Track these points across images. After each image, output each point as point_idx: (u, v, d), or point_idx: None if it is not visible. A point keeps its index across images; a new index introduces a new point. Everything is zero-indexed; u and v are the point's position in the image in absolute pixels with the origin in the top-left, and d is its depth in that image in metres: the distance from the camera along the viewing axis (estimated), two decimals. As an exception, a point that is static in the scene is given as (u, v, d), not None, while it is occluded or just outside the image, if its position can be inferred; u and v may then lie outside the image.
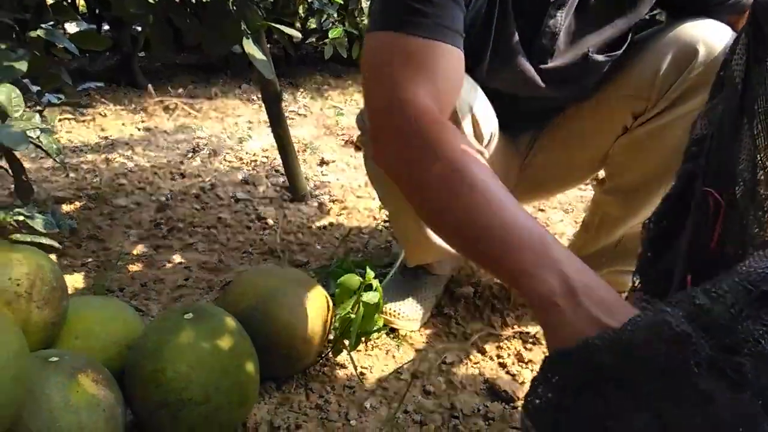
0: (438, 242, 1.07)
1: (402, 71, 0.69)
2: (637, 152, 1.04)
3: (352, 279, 0.98)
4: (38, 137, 1.02)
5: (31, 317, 0.76)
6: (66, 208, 1.62)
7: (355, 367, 1.04)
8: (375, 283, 0.97)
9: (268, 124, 2.59)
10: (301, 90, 3.18)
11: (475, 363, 1.09)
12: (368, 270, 0.98)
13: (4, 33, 1.27)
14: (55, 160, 1.08)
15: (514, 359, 1.10)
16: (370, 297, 1.00)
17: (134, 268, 1.35)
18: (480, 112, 0.92)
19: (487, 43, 0.93)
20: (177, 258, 1.41)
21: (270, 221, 1.64)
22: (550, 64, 0.97)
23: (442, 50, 0.71)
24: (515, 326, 1.20)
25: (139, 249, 1.44)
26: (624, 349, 0.42)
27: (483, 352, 1.12)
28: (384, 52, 0.72)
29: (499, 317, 1.23)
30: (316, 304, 0.97)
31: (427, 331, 1.18)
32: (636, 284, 0.76)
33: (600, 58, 0.97)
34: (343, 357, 1.07)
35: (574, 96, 1.06)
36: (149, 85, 2.75)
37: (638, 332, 0.41)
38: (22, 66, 1.13)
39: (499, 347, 1.13)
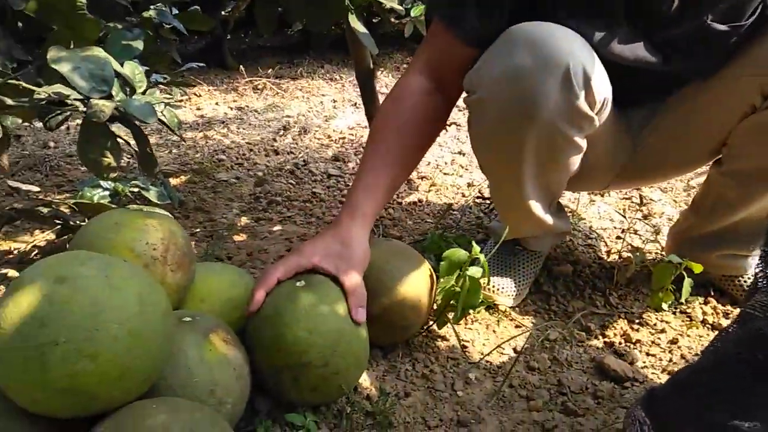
0: (539, 213, 1.06)
1: None
2: (763, 135, 0.96)
3: (459, 252, 0.98)
4: (162, 111, 1.08)
5: (166, 280, 0.81)
6: (173, 181, 1.72)
7: (459, 340, 1.05)
8: (481, 257, 0.97)
9: (352, 103, 2.63)
10: (381, 69, 3.18)
11: (580, 341, 1.07)
12: (474, 244, 0.97)
13: (119, 14, 1.35)
14: (175, 133, 1.14)
15: (621, 339, 1.07)
16: (475, 271, 1.00)
17: (239, 238, 1.42)
18: (594, 75, 0.88)
19: (599, 10, 0.89)
20: (277, 230, 1.47)
21: (362, 197, 1.67)
22: (664, 34, 0.91)
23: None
24: (619, 306, 1.16)
25: (242, 221, 1.50)
26: None
27: (587, 330, 1.09)
28: None
29: (601, 296, 1.20)
30: (423, 276, 0.98)
31: (527, 308, 1.17)
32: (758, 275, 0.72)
33: (721, 28, 0.90)
34: (444, 330, 1.08)
35: (693, 71, 0.99)
36: (241, 66, 2.84)
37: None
38: (139, 45, 1.20)
39: (603, 326, 1.10)
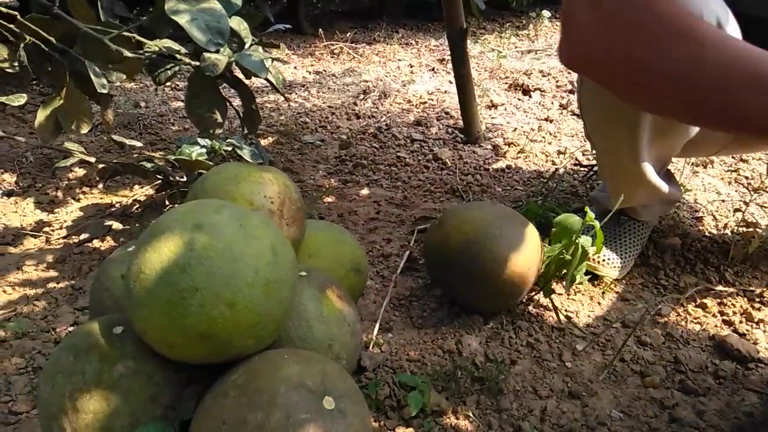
0: (653, 178, 0.99)
1: None
2: None
3: (572, 219, 0.93)
4: (269, 67, 1.07)
5: (282, 234, 0.81)
6: (262, 142, 1.73)
7: (557, 311, 1.01)
8: (596, 224, 0.92)
9: (430, 68, 2.57)
10: (473, 31, 3.09)
11: (695, 318, 1.00)
12: (588, 210, 0.92)
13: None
14: (279, 91, 1.14)
15: (742, 318, 1.00)
16: (586, 241, 0.95)
17: (328, 199, 1.41)
18: (728, 28, 0.80)
19: None
20: (365, 192, 1.46)
21: (447, 162, 1.63)
22: None
23: None
24: (737, 283, 1.09)
25: (330, 182, 1.50)
26: None
27: (703, 307, 1.03)
28: None
29: (714, 272, 1.12)
30: (531, 242, 0.94)
31: (633, 281, 1.11)
32: None
33: None
34: (546, 299, 1.04)
35: None
36: (320, 30, 2.82)
37: None
38: (238, 0, 1.19)
39: (721, 304, 1.03)
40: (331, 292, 0.77)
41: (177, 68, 1.01)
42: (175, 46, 0.95)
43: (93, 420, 0.58)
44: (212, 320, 0.57)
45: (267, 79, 1.07)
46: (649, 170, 0.98)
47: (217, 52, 0.92)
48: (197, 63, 0.92)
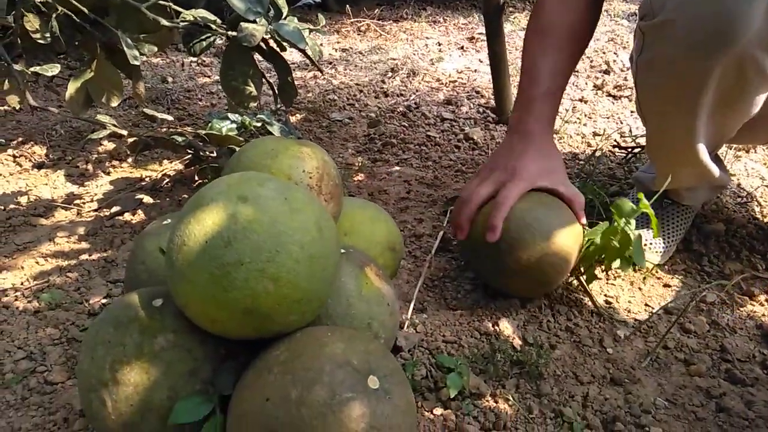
0: (705, 160, 0.95)
1: None
2: None
3: (627, 205, 0.89)
4: (307, 37, 1.05)
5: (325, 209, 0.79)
6: (290, 119, 1.71)
7: (592, 299, 0.98)
8: (650, 211, 0.88)
9: (459, 46, 2.51)
10: (511, 9, 3.02)
11: (742, 306, 0.97)
12: (642, 198, 0.88)
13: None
14: (315, 64, 1.11)
15: (791, 307, 0.96)
16: (632, 227, 0.91)
17: (358, 178, 1.39)
18: None
19: None
20: (395, 171, 1.43)
21: (478, 141, 1.60)
22: None
23: None
24: (785, 271, 1.05)
25: (359, 161, 1.48)
26: None
27: (750, 295, 0.99)
28: None
29: (761, 259, 1.08)
30: (569, 231, 0.91)
31: (675, 267, 1.08)
32: None
33: None
34: (586, 284, 1.01)
35: None
36: (347, 6, 2.78)
37: None
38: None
39: (769, 292, 0.99)
40: (369, 270, 0.75)
41: (212, 39, 0.98)
42: (211, 16, 0.93)
43: (133, 392, 0.57)
44: (256, 295, 0.55)
45: (303, 51, 1.04)
46: (703, 151, 0.94)
47: (255, 22, 0.89)
48: (233, 33, 0.90)
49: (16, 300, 0.95)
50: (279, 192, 0.59)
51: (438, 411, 0.75)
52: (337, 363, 0.55)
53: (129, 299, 0.63)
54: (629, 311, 0.96)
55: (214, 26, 0.93)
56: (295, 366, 0.55)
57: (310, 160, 0.79)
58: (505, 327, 0.90)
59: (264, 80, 1.14)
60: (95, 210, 1.22)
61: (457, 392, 0.75)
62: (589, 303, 0.97)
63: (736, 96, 0.85)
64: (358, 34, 2.66)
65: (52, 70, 1.00)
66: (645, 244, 1.05)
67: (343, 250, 0.76)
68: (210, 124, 1.30)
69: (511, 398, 0.77)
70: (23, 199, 1.24)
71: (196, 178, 1.33)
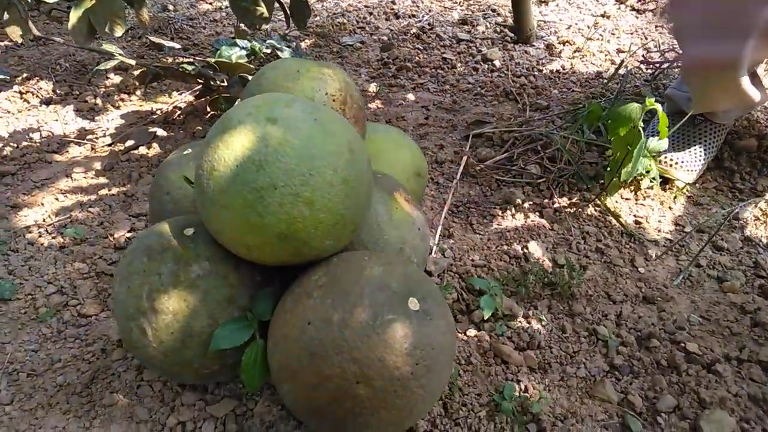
0: (748, 89, 0.90)
1: None
2: None
3: (630, 107, 0.85)
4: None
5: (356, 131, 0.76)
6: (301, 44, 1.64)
7: (616, 217, 0.96)
8: (657, 107, 0.84)
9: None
10: None
11: (776, 222, 0.95)
12: (647, 97, 0.84)
13: None
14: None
15: (827, 222, 0.94)
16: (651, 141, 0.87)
17: (374, 105, 1.35)
18: None
19: None
20: (411, 97, 1.38)
21: (497, 63, 1.53)
22: None
23: None
24: (821, 186, 1.02)
25: (374, 87, 1.42)
26: None
27: (784, 211, 0.97)
28: None
29: (795, 175, 1.05)
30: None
31: (706, 185, 1.05)
32: None
33: None
34: (614, 205, 0.99)
35: None
36: None
37: None
38: None
39: (804, 207, 0.97)
40: (398, 195, 0.73)
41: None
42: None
43: (172, 320, 0.57)
44: (291, 219, 0.54)
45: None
46: (746, 81, 0.89)
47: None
48: (240, -52, 0.83)
49: (40, 236, 0.94)
50: (308, 113, 0.56)
51: (471, 332, 0.75)
52: (377, 286, 0.54)
53: (159, 229, 0.61)
54: (660, 231, 0.95)
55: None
56: (334, 290, 0.54)
57: (332, 82, 0.75)
58: (535, 249, 0.89)
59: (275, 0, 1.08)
60: (109, 145, 1.20)
61: (490, 314, 0.75)
62: (617, 224, 0.95)
63: None
64: (364, -47, 2.51)
65: (53, -5, 0.95)
66: (675, 162, 1.02)
67: (371, 175, 0.74)
68: (218, 52, 1.25)
69: (544, 318, 0.77)
70: (35, 136, 1.22)
71: (208, 108, 1.29)
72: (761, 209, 0.97)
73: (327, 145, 0.55)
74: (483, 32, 1.71)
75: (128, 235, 0.94)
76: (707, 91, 0.94)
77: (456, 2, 1.94)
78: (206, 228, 0.60)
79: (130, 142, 1.19)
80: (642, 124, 0.86)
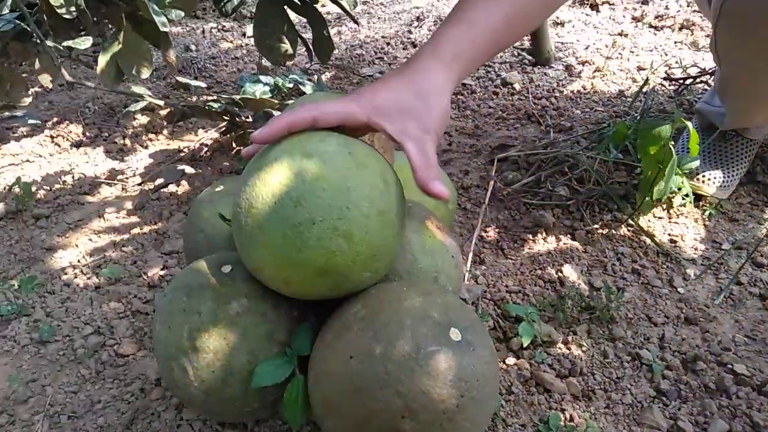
0: None
1: None
2: None
3: (660, 125, 0.84)
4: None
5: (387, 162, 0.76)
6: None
7: (650, 236, 0.94)
8: (689, 125, 0.83)
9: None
10: None
11: (817, 236, 0.92)
12: (675, 114, 0.83)
13: None
14: (350, 15, 1.07)
15: None
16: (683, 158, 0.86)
17: (397, 133, 1.35)
18: None
19: None
20: (434, 124, 1.39)
21: (517, 86, 1.54)
22: None
23: None
24: None
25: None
26: None
27: (825, 224, 0.94)
28: None
29: (832, 187, 1.02)
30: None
31: (740, 200, 1.03)
32: None
33: None
34: (648, 224, 0.97)
35: None
36: (363, -45, 2.67)
37: None
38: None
39: None
40: (430, 223, 0.73)
41: (242, -2, 0.95)
42: (239, -28, 0.89)
43: (213, 359, 0.57)
44: (331, 254, 0.54)
45: (337, 1, 0.99)
46: None
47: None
48: (264, -12, 0.86)
49: (75, 277, 0.96)
50: (342, 146, 0.57)
51: (510, 361, 0.74)
52: (418, 317, 0.54)
53: (198, 267, 0.62)
54: (696, 249, 0.93)
55: (244, -17, 0.89)
56: (375, 322, 0.54)
57: (361, 114, 0.76)
58: (570, 273, 0.88)
59: (299, 36, 1.10)
60: (139, 184, 1.22)
61: (529, 341, 0.74)
62: (652, 244, 0.93)
63: None
64: (378, -14, 2.56)
65: (85, 43, 0.98)
66: (707, 179, 1.01)
67: (402, 205, 0.74)
68: (243, 89, 1.28)
69: (584, 344, 0.76)
70: (68, 178, 1.25)
71: (234, 144, 1.31)
72: (800, 223, 0.95)
73: (362, 178, 0.55)
74: (500, 56, 1.72)
75: (161, 273, 0.95)
76: (743, 105, 0.93)
77: (471, 29, 1.96)
78: (244, 265, 0.60)
79: (159, 181, 1.21)
80: (672, 142, 0.85)
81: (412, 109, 0.58)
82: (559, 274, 0.87)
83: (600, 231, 0.97)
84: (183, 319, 0.58)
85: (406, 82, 0.59)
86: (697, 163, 0.95)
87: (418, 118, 0.57)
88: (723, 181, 1.01)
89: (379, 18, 2.17)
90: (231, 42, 2.03)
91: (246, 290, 0.60)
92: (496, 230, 1.01)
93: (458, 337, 0.54)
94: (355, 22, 1.15)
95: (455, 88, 0.62)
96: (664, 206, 1.00)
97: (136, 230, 1.07)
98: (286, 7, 0.94)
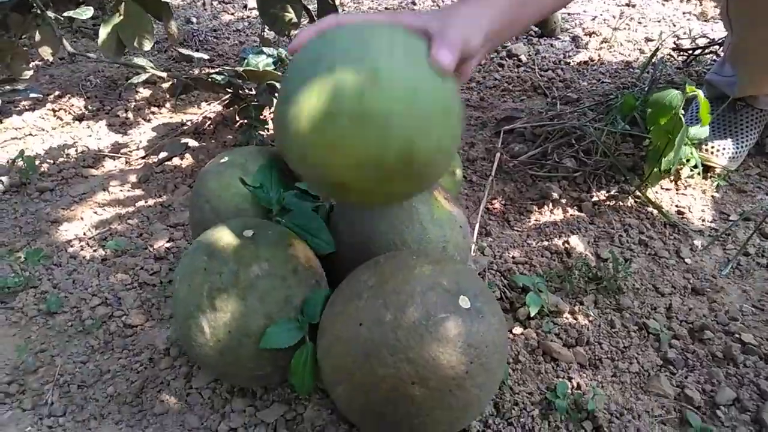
0: None
1: None
2: None
3: (670, 94, 0.83)
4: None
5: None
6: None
7: (658, 207, 0.93)
8: (698, 93, 0.82)
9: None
10: None
11: (826, 207, 0.92)
12: (688, 84, 0.82)
13: None
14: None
15: None
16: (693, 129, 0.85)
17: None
18: None
19: None
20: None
21: (523, 57, 1.51)
22: None
23: None
24: None
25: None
26: None
27: (834, 194, 0.93)
28: None
29: (843, 158, 1.01)
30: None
31: (748, 171, 1.02)
32: None
33: None
34: (655, 195, 0.97)
35: None
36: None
37: None
38: None
39: None
40: (438, 193, 0.73)
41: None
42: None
43: (230, 319, 0.57)
44: (412, 141, 0.48)
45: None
46: None
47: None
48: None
49: (81, 249, 0.96)
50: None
51: (518, 330, 0.74)
52: (428, 285, 0.54)
53: (219, 231, 0.62)
54: (704, 220, 0.92)
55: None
56: (385, 290, 0.54)
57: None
58: (576, 244, 0.87)
59: (303, 6, 1.08)
60: (143, 157, 1.21)
61: (537, 311, 0.74)
62: (660, 215, 0.93)
63: None
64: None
65: (86, 12, 0.97)
66: (716, 149, 1.00)
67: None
68: (246, 61, 1.26)
69: (591, 314, 0.76)
70: (71, 152, 1.24)
71: (237, 117, 1.30)
72: (810, 194, 0.94)
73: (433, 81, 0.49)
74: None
75: (167, 245, 0.95)
76: (756, 71, 0.91)
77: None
78: (266, 230, 0.59)
79: (163, 154, 1.20)
80: (682, 111, 0.84)
81: (436, 15, 0.55)
82: (566, 245, 0.87)
83: (607, 203, 0.96)
84: (203, 278, 0.58)
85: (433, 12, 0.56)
86: (705, 133, 0.94)
87: (442, 19, 0.54)
88: (734, 152, 1.00)
89: (382, -10, 2.14)
90: (232, 14, 2.00)
91: (267, 255, 0.60)
92: (503, 202, 1.00)
93: (467, 304, 0.54)
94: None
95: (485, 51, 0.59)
96: (672, 178, 0.99)
97: (141, 203, 1.06)
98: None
